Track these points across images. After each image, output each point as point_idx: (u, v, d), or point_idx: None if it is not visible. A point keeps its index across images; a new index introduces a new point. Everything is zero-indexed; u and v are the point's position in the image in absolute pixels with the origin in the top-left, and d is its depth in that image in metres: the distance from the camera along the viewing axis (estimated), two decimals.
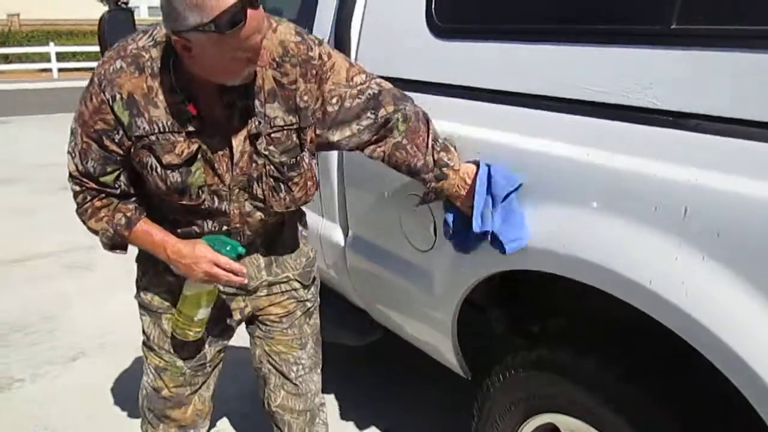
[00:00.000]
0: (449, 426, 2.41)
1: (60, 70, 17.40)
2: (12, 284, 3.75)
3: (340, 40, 1.86)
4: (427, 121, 1.54)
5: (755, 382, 1.02)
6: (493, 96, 1.47)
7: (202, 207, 1.46)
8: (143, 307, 1.67)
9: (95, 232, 1.51)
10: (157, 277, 1.61)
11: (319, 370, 1.87)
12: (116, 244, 1.51)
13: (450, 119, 1.57)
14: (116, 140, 1.36)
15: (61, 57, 17.67)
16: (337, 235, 2.17)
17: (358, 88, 1.49)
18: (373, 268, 2.03)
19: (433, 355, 2.00)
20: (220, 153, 1.42)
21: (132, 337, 2.96)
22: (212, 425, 1.96)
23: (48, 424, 2.46)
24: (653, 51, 1.15)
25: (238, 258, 1.49)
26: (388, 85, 1.54)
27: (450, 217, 1.55)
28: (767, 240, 0.99)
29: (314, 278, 1.80)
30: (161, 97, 1.33)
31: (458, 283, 1.64)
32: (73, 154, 1.42)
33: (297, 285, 1.73)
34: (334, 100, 1.47)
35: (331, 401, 2.59)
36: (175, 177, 1.40)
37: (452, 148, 1.53)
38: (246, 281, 1.56)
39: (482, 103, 1.50)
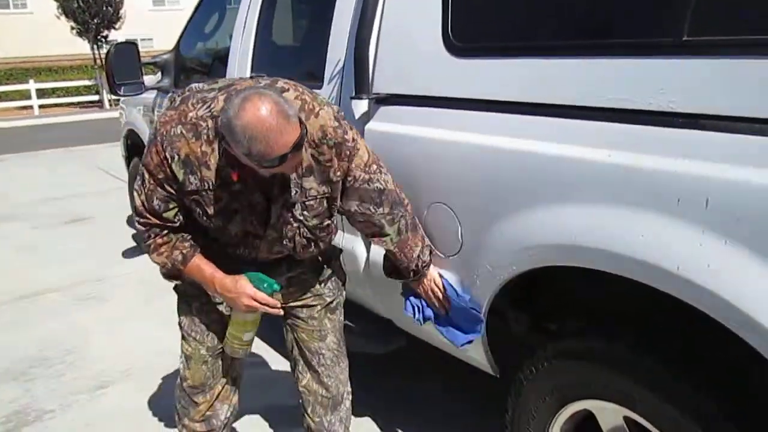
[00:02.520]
0: (479, 427, 2.49)
1: (41, 106, 17.38)
2: (26, 320, 3.76)
3: (359, 59, 1.97)
4: (416, 230, 1.84)
5: None
6: (512, 107, 1.59)
7: (237, 241, 1.73)
8: (179, 294, 1.88)
9: (158, 264, 1.73)
10: None
11: (343, 363, 2.04)
12: (173, 275, 1.75)
13: (472, 131, 1.68)
14: (174, 188, 1.59)
15: (41, 93, 17.64)
16: (359, 248, 2.26)
17: (371, 175, 1.71)
18: None
19: (460, 357, 2.08)
20: (259, 211, 1.65)
21: (157, 361, 3.04)
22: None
23: None
24: (670, 60, 1.27)
25: (273, 294, 1.74)
26: (391, 184, 1.77)
27: (412, 300, 2.00)
28: None
29: (330, 273, 1.96)
30: (213, 161, 1.54)
31: (487, 283, 1.73)
32: (140, 192, 1.63)
33: (311, 279, 1.92)
34: (350, 176, 1.69)
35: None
36: (216, 223, 1.65)
37: (429, 259, 1.88)
38: (282, 313, 1.82)
39: (503, 114, 1.61)
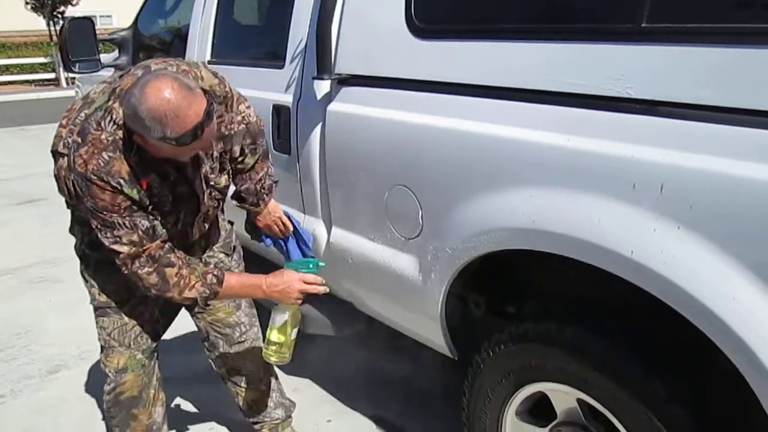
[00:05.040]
0: (437, 409, 2.51)
1: None
2: None
3: (321, 39, 1.94)
4: (266, 158, 1.94)
5: (724, 332, 1.15)
6: (474, 91, 1.58)
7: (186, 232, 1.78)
8: (101, 308, 1.83)
9: (192, 298, 1.68)
10: (110, 276, 1.76)
11: (256, 322, 2.13)
12: (210, 299, 1.72)
13: (433, 114, 1.67)
14: (139, 207, 1.54)
15: None
16: (320, 230, 2.24)
17: (241, 115, 1.78)
18: (358, 260, 2.11)
19: (419, 340, 2.09)
20: (188, 195, 1.68)
21: None
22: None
23: None
24: (629, 47, 1.27)
25: (318, 269, 1.83)
26: (255, 118, 1.85)
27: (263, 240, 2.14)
28: (734, 210, 1.12)
29: (234, 247, 2.06)
30: (144, 166, 1.52)
31: (446, 266, 1.73)
32: (118, 239, 1.54)
33: (222, 256, 2.02)
34: (231, 123, 1.74)
35: (312, 387, 2.67)
36: (171, 219, 1.67)
37: (270, 186, 1.99)
38: (327, 289, 1.87)
39: (464, 97, 1.61)
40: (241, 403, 2.19)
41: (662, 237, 1.21)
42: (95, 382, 2.76)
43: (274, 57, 2.35)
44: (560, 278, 1.59)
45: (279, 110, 2.25)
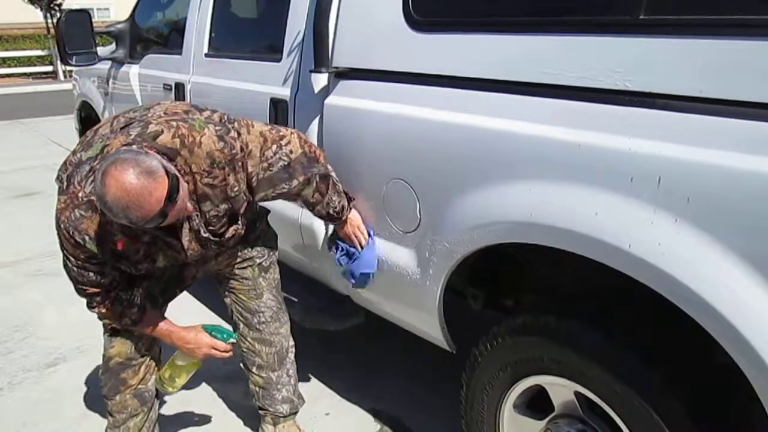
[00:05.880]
0: (435, 402, 2.52)
1: None
2: None
3: (319, 32, 1.93)
4: (326, 179, 1.86)
5: (722, 324, 1.16)
6: (472, 84, 1.58)
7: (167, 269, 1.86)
8: None
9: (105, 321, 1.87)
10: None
11: (283, 318, 2.18)
12: (123, 328, 1.86)
13: (431, 107, 1.67)
14: (99, 260, 1.63)
15: None
16: (318, 224, 2.24)
17: (270, 161, 1.73)
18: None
19: (417, 333, 2.09)
20: (174, 243, 1.71)
21: None
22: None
23: (33, 431, 2.45)
24: (626, 39, 1.27)
25: (228, 340, 1.96)
26: (297, 149, 1.79)
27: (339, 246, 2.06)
28: (732, 202, 1.12)
29: (259, 236, 2.04)
30: (116, 225, 1.55)
31: (444, 260, 1.73)
32: (69, 269, 1.67)
33: (239, 246, 2.00)
34: (253, 179, 1.71)
35: (310, 380, 2.67)
36: (143, 266, 1.72)
37: (341, 207, 1.92)
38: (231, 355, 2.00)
39: (462, 90, 1.60)
40: (250, 387, 2.25)
41: (659, 230, 1.21)
42: (94, 375, 2.76)
43: (272, 50, 2.34)
44: (558, 272, 1.59)
45: (276, 104, 2.24)
